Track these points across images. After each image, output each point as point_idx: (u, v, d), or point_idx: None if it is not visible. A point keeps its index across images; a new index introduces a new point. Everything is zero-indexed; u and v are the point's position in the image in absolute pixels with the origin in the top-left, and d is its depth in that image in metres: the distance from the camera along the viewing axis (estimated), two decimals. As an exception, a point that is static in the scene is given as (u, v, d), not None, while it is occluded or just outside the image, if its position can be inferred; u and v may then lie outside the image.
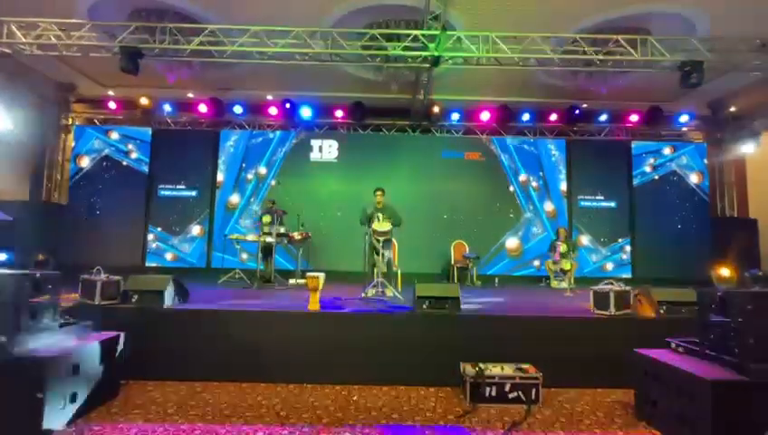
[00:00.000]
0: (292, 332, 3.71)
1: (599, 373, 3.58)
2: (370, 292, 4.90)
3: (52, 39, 5.37)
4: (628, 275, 8.49)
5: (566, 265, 6.84)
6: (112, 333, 3.21)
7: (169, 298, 3.88)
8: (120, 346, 3.25)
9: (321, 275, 3.92)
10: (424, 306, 3.85)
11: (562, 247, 6.97)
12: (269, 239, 6.05)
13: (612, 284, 3.99)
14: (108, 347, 3.09)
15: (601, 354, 3.60)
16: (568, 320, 3.81)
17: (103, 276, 3.88)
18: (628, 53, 5.27)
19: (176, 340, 3.67)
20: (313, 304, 3.86)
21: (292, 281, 6.32)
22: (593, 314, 3.97)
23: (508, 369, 3.33)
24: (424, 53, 5.30)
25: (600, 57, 5.26)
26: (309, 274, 3.92)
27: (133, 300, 3.83)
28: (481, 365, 3.35)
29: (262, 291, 5.43)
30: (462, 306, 3.89)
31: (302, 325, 3.75)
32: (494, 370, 3.30)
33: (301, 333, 3.71)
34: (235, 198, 8.51)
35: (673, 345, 3.10)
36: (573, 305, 4.68)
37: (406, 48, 5.30)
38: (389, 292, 4.96)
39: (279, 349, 3.65)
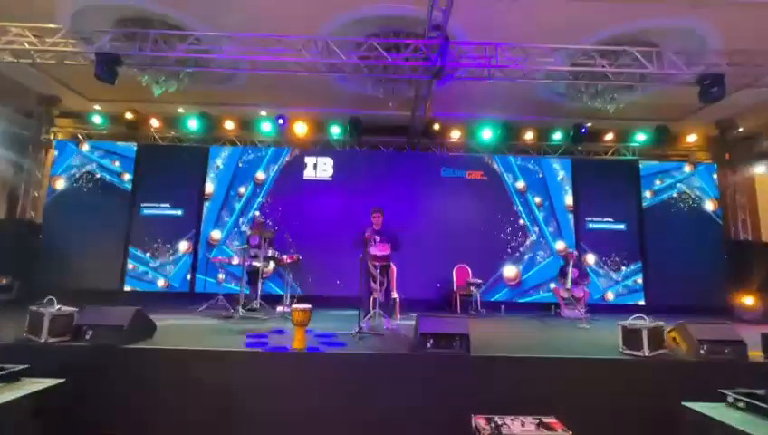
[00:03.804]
0: (274, 376, 3.15)
1: (634, 428, 3.03)
2: (366, 324, 4.35)
3: (26, 45, 4.98)
4: (640, 303, 8.00)
5: (578, 292, 6.32)
6: (51, 382, 2.64)
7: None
8: (60, 397, 2.67)
9: (309, 308, 3.38)
10: (428, 345, 3.31)
11: (573, 273, 6.46)
12: (255, 263, 5.52)
13: (643, 318, 3.48)
14: (42, 400, 2.51)
15: (637, 404, 3.06)
16: (595, 362, 3.27)
17: (54, 308, 3.33)
18: (642, 67, 4.94)
19: (135, 386, 3.09)
20: (299, 342, 3.31)
21: (279, 308, 5.75)
22: (623, 353, 3.44)
23: (530, 424, 2.77)
24: (426, 64, 4.94)
25: (614, 70, 4.93)
26: (295, 306, 3.39)
27: (87, 337, 3.27)
28: (497, 419, 2.79)
29: (245, 321, 4.85)
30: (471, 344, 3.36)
31: (286, 368, 3.19)
32: (514, 425, 2.73)
33: (284, 378, 3.14)
34: (216, 234, 7.94)
35: (730, 399, 2.57)
36: (594, 341, 4.14)
37: (407, 59, 4.94)
38: (387, 324, 4.42)
39: (259, 397, 3.08)
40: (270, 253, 5.61)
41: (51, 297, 3.46)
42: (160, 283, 7.77)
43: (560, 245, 8.05)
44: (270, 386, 3.12)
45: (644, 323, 3.41)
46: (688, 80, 5.13)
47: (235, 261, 5.62)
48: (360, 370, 3.16)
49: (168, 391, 3.09)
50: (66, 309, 3.36)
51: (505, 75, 5.16)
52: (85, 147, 8.25)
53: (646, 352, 3.30)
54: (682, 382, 3.10)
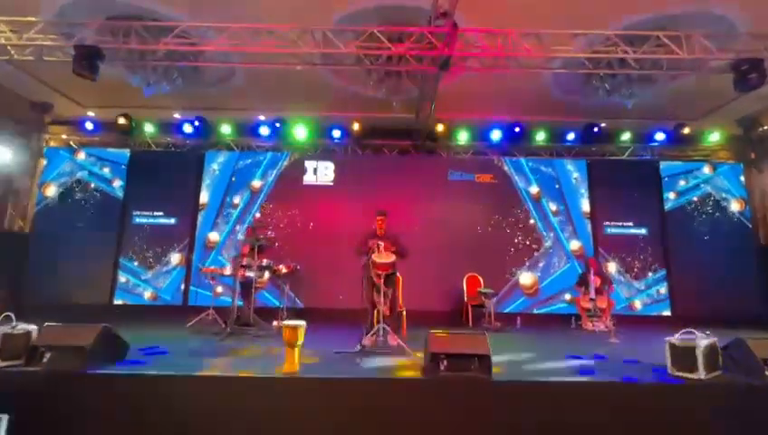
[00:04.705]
0: (260, 406, 2.66)
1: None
2: (369, 341, 3.86)
3: (2, 40, 4.65)
4: (666, 313, 7.41)
5: (602, 302, 5.77)
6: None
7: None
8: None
9: (301, 325, 2.90)
10: (441, 367, 2.81)
11: (595, 281, 5.92)
12: (248, 273, 5.06)
13: (694, 333, 2.96)
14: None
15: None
16: (644, 387, 2.74)
17: (8, 326, 2.88)
18: (670, 52, 4.49)
19: (96, 420, 2.62)
20: (290, 365, 2.83)
21: (275, 323, 5.26)
22: (672, 375, 2.91)
23: (570, 468, 2.26)
24: (431, 54, 4.53)
25: (639, 56, 4.48)
26: (285, 322, 2.92)
27: (44, 360, 2.81)
28: (529, 461, 2.29)
29: (235, 339, 4.37)
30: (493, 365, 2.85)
31: (274, 396, 2.70)
32: (550, 469, 2.23)
33: (273, 409, 2.65)
34: (214, 236, 7.56)
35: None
36: (630, 359, 3.60)
37: (410, 48, 4.54)
38: (393, 340, 3.92)
39: (245, 432, 2.59)
40: (264, 262, 5.16)
41: (8, 314, 3.02)
42: (152, 296, 7.33)
43: (574, 244, 7.52)
44: (257, 417, 2.63)
45: (697, 339, 2.89)
46: (721, 67, 4.67)
47: (227, 271, 5.16)
48: (361, 398, 2.66)
49: (137, 424, 2.61)
50: (23, 327, 2.92)
51: (519, 65, 4.73)
52: (77, 154, 7.94)
53: (702, 374, 2.77)
54: (750, 412, 2.57)
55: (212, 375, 2.78)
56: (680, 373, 2.86)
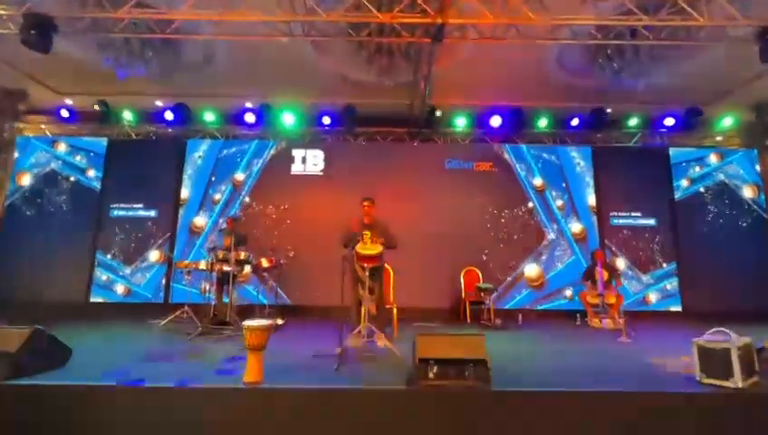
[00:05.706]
0: (215, 423, 2.24)
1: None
2: (352, 343, 3.44)
3: (-53, 12, 4.19)
4: (676, 308, 6.99)
5: (610, 298, 5.35)
6: None
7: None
8: None
9: (268, 326, 2.48)
10: (430, 375, 2.39)
11: (602, 274, 5.49)
12: (226, 268, 4.63)
13: (727, 334, 2.53)
14: None
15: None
16: (671, 398, 2.31)
17: None
18: (688, 20, 4.02)
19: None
20: (252, 374, 2.40)
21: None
22: (701, 383, 2.48)
23: (585, 500, 1.83)
24: (424, 21, 4.07)
25: (654, 22, 4.02)
26: (248, 323, 2.49)
27: (-38, 368, 2.39)
28: (535, 492, 1.86)
29: (206, 340, 3.95)
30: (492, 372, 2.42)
31: (232, 411, 2.27)
32: (561, 502, 1.81)
33: (230, 426, 2.23)
34: (200, 220, 7.15)
35: None
36: (646, 360, 3.18)
37: (400, 15, 4.07)
38: (381, 341, 3.50)
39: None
40: (243, 256, 4.73)
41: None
42: (125, 291, 6.91)
43: (576, 227, 7.10)
44: (211, 435, 2.22)
45: (730, 340, 2.46)
46: (745, 36, 4.21)
47: (203, 265, 4.73)
48: (336, 412, 2.23)
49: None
50: (-59, 331, 2.50)
51: (520, 35, 4.27)
52: (51, 143, 7.50)
53: (739, 381, 2.34)
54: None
55: (158, 386, 2.35)
56: (712, 380, 2.43)
